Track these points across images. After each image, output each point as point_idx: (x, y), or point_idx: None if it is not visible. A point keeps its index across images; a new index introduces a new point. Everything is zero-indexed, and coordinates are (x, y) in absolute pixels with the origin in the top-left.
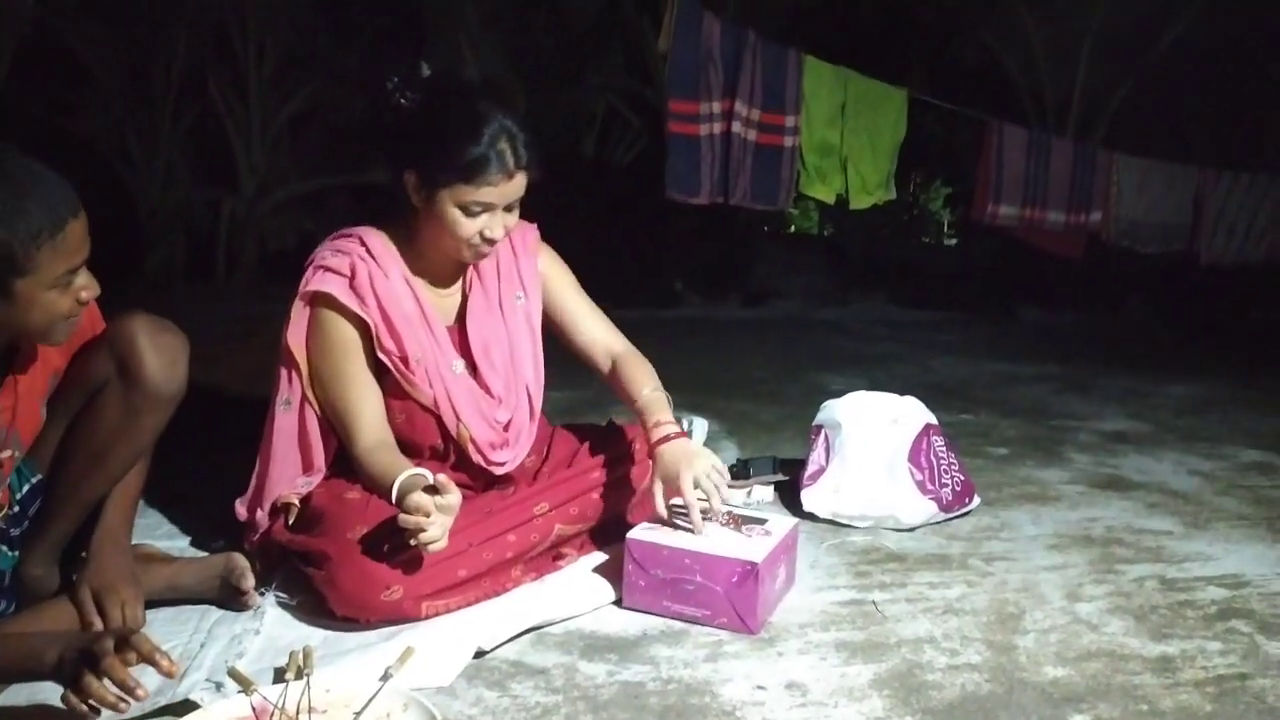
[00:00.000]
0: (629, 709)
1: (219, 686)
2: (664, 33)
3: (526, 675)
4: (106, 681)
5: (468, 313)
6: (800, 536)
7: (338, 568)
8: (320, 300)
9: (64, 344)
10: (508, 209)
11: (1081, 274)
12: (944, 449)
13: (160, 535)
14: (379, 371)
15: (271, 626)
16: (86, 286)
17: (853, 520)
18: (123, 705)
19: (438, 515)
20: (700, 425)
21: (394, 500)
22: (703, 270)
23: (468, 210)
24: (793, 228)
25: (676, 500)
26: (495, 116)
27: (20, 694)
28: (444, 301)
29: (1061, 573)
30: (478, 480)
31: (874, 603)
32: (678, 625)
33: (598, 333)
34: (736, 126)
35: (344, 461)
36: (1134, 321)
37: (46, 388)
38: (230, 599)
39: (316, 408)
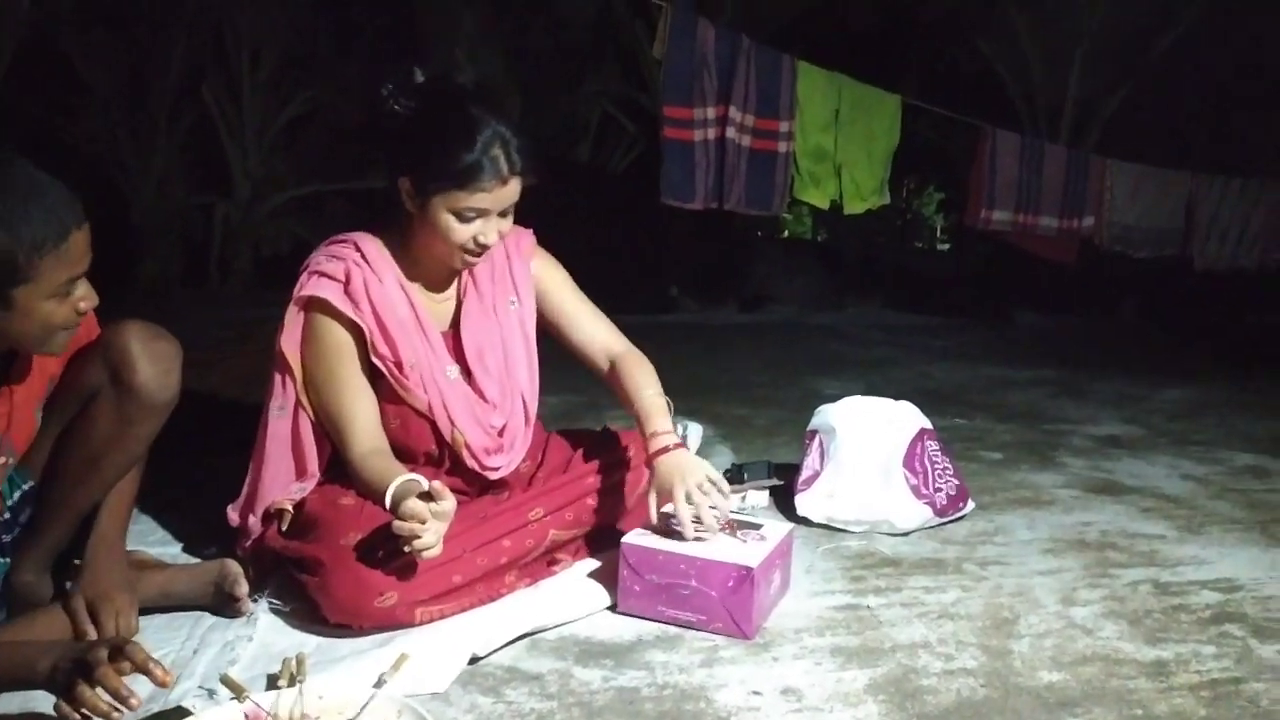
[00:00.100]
0: (624, 715)
1: (212, 694)
2: (659, 39)
3: (521, 681)
4: (100, 690)
5: (462, 318)
6: (795, 541)
7: (331, 574)
8: (315, 305)
9: (59, 353)
10: (502, 214)
11: (1075, 278)
12: (938, 453)
13: (153, 542)
14: (373, 376)
15: (264, 633)
16: (85, 297)
17: (847, 525)
18: (115, 715)
19: (433, 522)
20: (695, 430)
21: (388, 506)
22: (698, 275)
23: (461, 216)
24: (786, 232)
25: (669, 508)
26: (489, 122)
27: (12, 703)
28: (439, 307)
29: (1056, 577)
30: (472, 485)
31: (869, 607)
32: (673, 630)
33: (596, 333)
34: (731, 132)
35: (338, 467)
36: (1128, 326)
37: (42, 394)
38: (223, 605)
39: (310, 413)
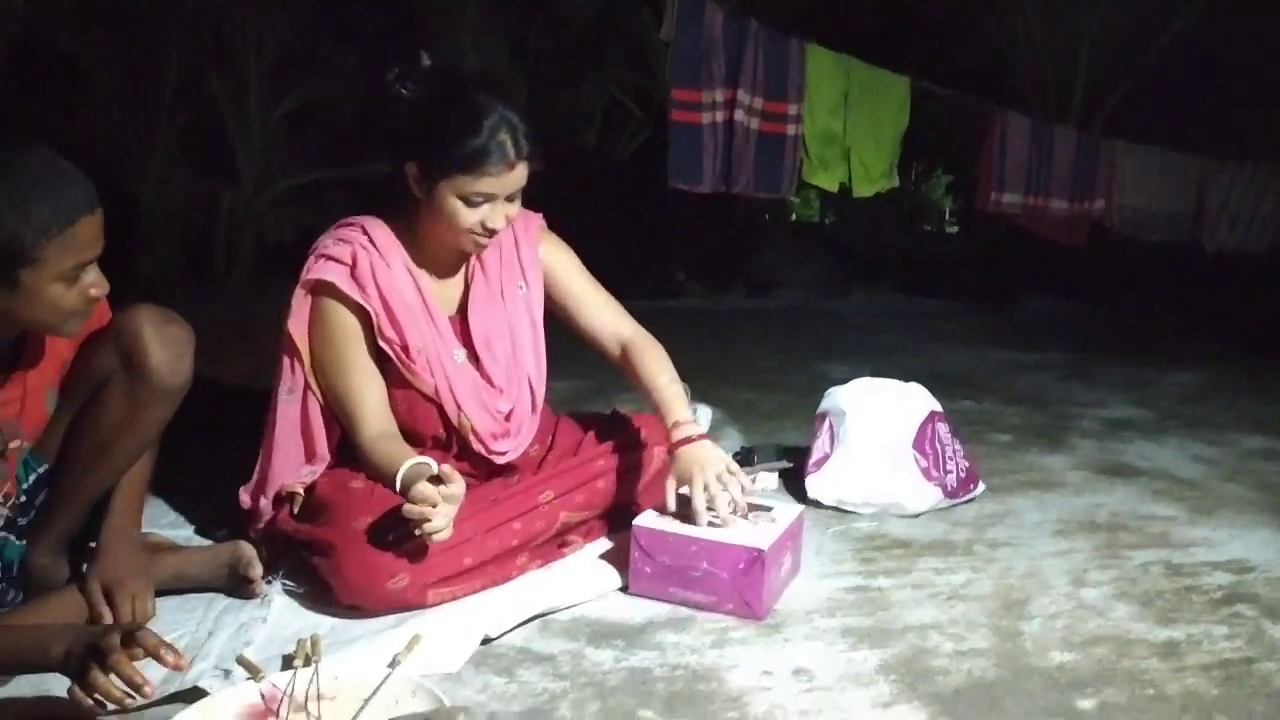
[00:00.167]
0: (636, 695)
1: (227, 674)
2: (666, 22)
3: (533, 662)
4: (113, 677)
5: (469, 303)
6: (805, 523)
7: (343, 557)
8: (321, 289)
9: (74, 336)
10: (509, 199)
11: (1084, 262)
12: (948, 436)
13: (165, 524)
14: (381, 360)
15: (279, 614)
16: (96, 284)
17: (857, 507)
18: (129, 701)
19: (443, 505)
20: (705, 413)
21: (398, 489)
22: (705, 260)
23: (468, 201)
24: (794, 216)
25: (684, 490)
26: (495, 107)
27: (26, 685)
28: (446, 291)
29: (1066, 558)
30: (480, 469)
31: (879, 589)
32: (684, 612)
33: (606, 318)
34: (739, 115)
35: (347, 450)
36: (1137, 309)
37: (55, 379)
38: (237, 587)
39: (319, 396)
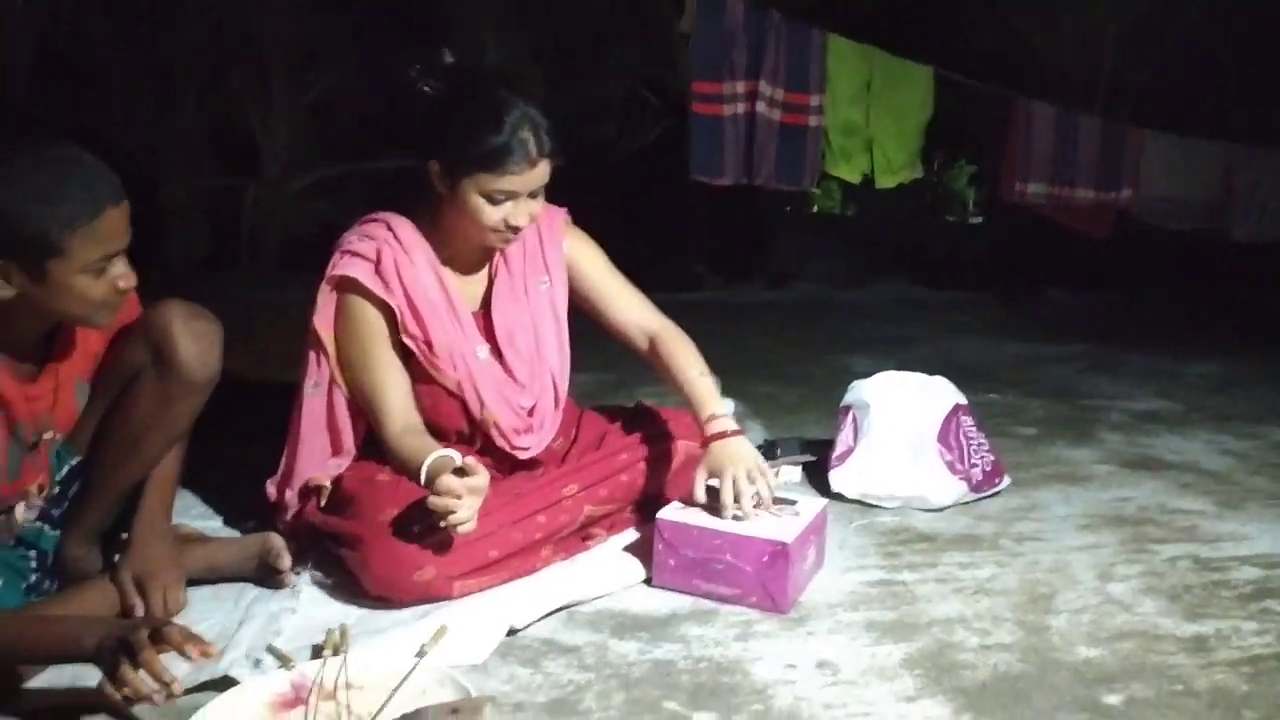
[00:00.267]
0: (660, 687)
1: (258, 663)
2: (686, 15)
3: (558, 653)
4: (142, 673)
5: (493, 298)
6: (829, 517)
7: (370, 550)
8: (346, 285)
9: (106, 328)
10: (532, 196)
11: (1108, 252)
12: (973, 429)
13: (194, 516)
14: (405, 356)
15: (308, 605)
16: (124, 276)
17: (881, 501)
18: (156, 697)
19: (467, 498)
20: (727, 405)
21: (423, 482)
22: (725, 252)
23: (491, 198)
24: (815, 208)
25: (714, 482)
26: (517, 104)
27: (64, 675)
28: (470, 287)
29: (1093, 553)
30: (503, 464)
31: (904, 583)
32: (707, 604)
33: (632, 312)
34: (760, 107)
35: (373, 444)
36: (1162, 300)
37: (86, 372)
38: (266, 578)
39: (345, 390)
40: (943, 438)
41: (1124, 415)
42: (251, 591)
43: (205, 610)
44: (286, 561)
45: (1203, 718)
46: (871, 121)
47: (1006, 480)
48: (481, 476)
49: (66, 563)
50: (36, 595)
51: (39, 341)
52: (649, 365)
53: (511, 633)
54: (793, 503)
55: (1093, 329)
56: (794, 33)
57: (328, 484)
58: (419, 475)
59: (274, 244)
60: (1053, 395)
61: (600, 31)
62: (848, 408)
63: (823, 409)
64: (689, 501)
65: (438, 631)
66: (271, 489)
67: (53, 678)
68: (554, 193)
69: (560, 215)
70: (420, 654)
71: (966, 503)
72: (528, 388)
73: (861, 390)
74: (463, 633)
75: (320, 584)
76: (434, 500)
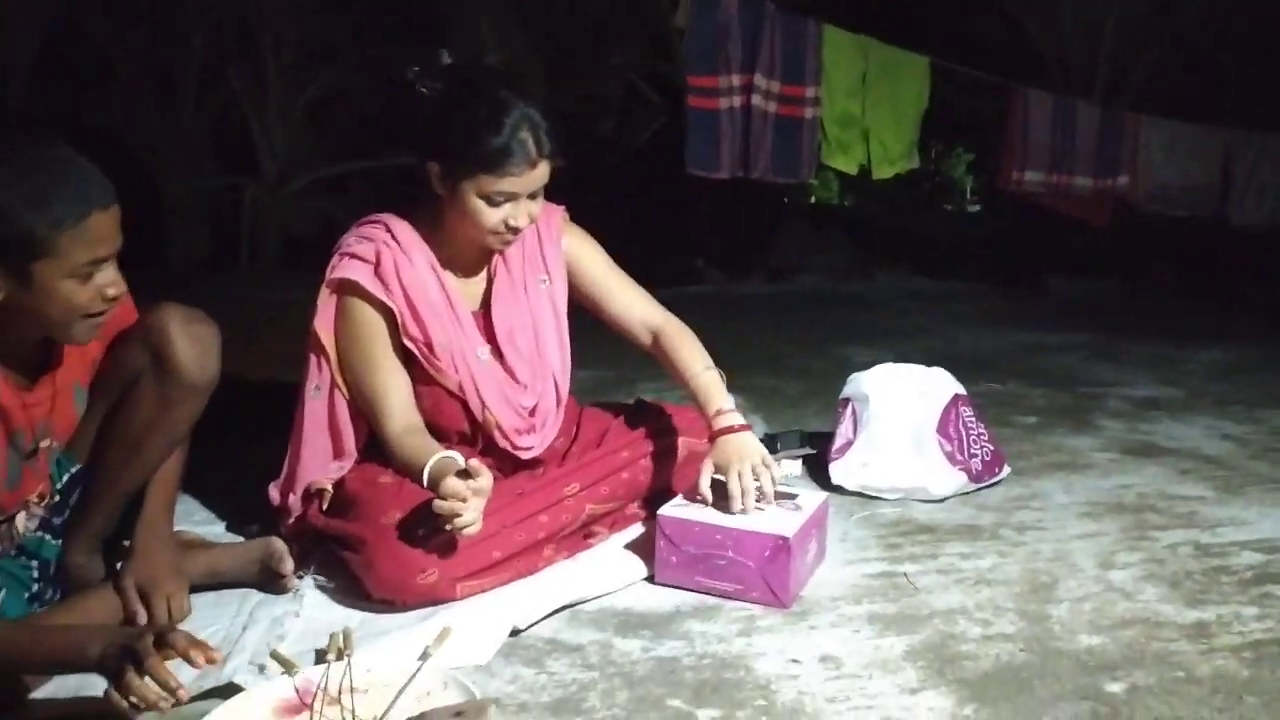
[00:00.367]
0: (664, 684)
1: (262, 669)
2: (681, 9)
3: (562, 652)
4: (148, 680)
5: (493, 298)
6: (830, 510)
7: (374, 552)
8: (346, 287)
9: (97, 338)
10: (531, 197)
11: (1108, 241)
12: (973, 419)
13: (196, 521)
14: (406, 357)
15: (311, 609)
16: (112, 284)
17: (882, 493)
18: (163, 705)
19: (472, 499)
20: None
21: (425, 484)
22: (724, 246)
23: (491, 200)
24: (813, 199)
25: (719, 476)
26: (517, 105)
27: (69, 684)
28: (470, 287)
29: (1094, 541)
30: (505, 464)
31: (905, 574)
32: (710, 600)
33: (635, 307)
34: (756, 99)
35: (375, 446)
36: (1162, 287)
37: (84, 379)
38: (269, 582)
39: (346, 393)
40: (942, 428)
41: (1124, 402)
42: (255, 597)
43: (209, 616)
44: (289, 566)
45: (1205, 704)
46: (868, 112)
47: (1007, 470)
48: (485, 478)
49: (69, 571)
50: (39, 605)
51: (36, 348)
52: (652, 360)
53: (515, 633)
54: (793, 496)
55: (1095, 316)
56: (789, 24)
57: (329, 487)
58: (421, 477)
59: (274, 244)
60: (1053, 383)
61: (599, 28)
62: (847, 400)
63: (823, 402)
64: (693, 496)
65: (441, 633)
66: (274, 493)
67: (57, 687)
68: (553, 190)
69: (558, 213)
70: (424, 656)
71: (967, 493)
72: (529, 387)
73: (860, 382)
74: (466, 634)
75: (323, 588)
76: (439, 504)
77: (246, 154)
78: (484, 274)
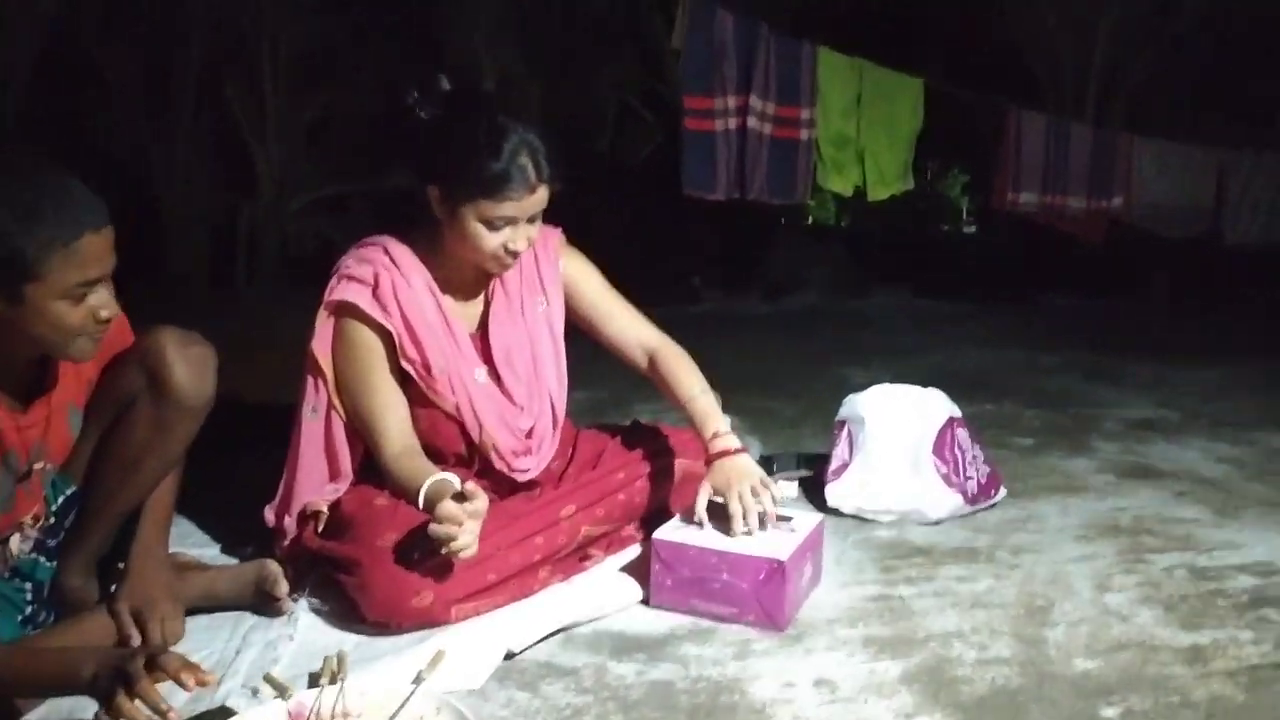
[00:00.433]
0: (659, 708)
1: (255, 692)
2: (677, 31)
3: (556, 676)
4: (139, 703)
5: (490, 320)
6: (825, 532)
7: (368, 574)
8: (344, 309)
9: (93, 358)
10: (530, 221)
11: (1104, 258)
12: (968, 441)
13: (192, 543)
14: (403, 379)
15: (305, 632)
16: (105, 306)
17: (878, 515)
18: None
19: (468, 523)
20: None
21: (421, 506)
22: (721, 265)
23: (490, 224)
24: (810, 219)
25: (717, 498)
26: (516, 131)
27: (62, 707)
28: (468, 309)
29: (1090, 563)
30: (501, 485)
31: (901, 597)
32: (705, 623)
33: (631, 329)
34: (752, 121)
35: (371, 468)
36: (1159, 305)
37: (80, 400)
38: (264, 605)
39: (342, 415)
40: (938, 450)
41: (1120, 423)
42: (249, 620)
43: (202, 639)
44: (283, 588)
45: None
46: (863, 134)
47: (1003, 492)
48: (481, 500)
49: (64, 593)
50: (33, 627)
51: (31, 369)
52: (648, 382)
53: (509, 656)
54: (789, 519)
55: (1091, 335)
56: (784, 46)
57: (325, 509)
58: (417, 498)
59: (272, 262)
60: (1050, 404)
61: (595, 47)
62: (843, 422)
63: (820, 422)
64: (689, 518)
65: (435, 657)
66: (269, 514)
67: (50, 709)
68: (551, 210)
69: (556, 235)
70: (418, 680)
71: (963, 515)
72: (526, 409)
73: (856, 404)
74: (460, 658)
75: (317, 610)
76: (435, 528)
77: (245, 171)
78: (482, 296)
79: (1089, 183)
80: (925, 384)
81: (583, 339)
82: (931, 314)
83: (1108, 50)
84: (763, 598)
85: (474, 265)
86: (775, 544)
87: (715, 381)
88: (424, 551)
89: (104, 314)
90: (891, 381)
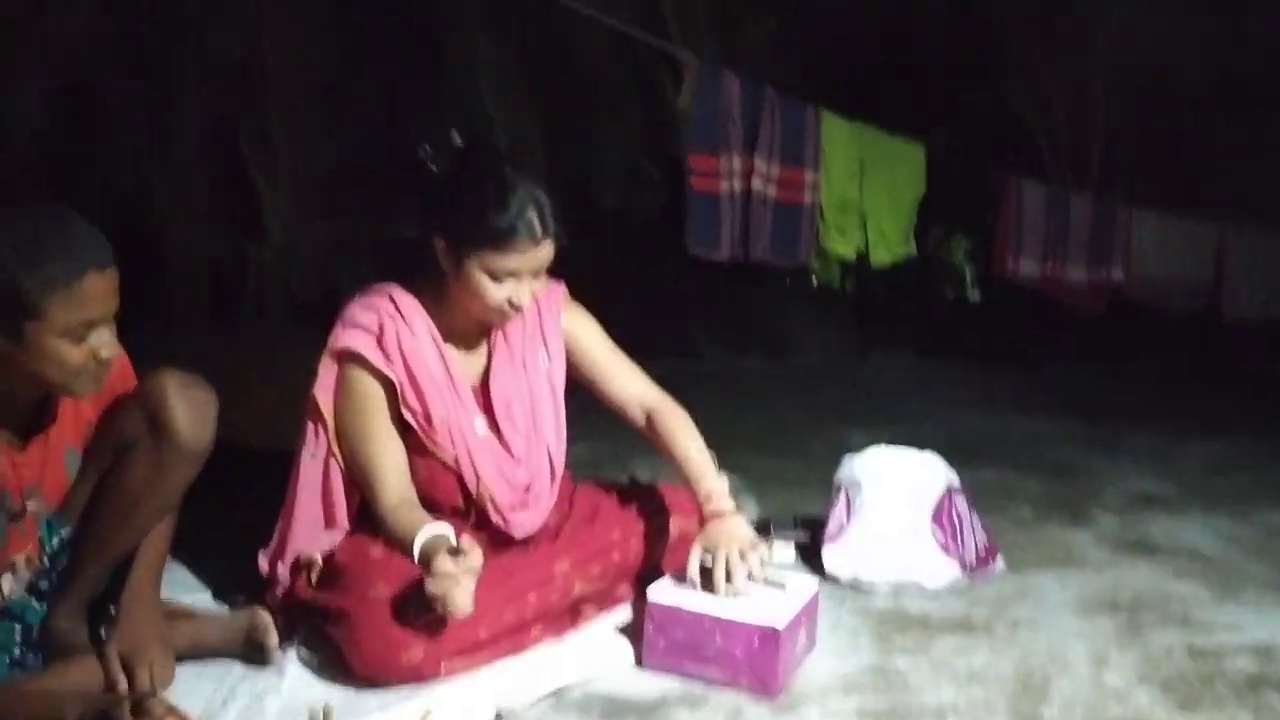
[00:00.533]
0: None
1: None
2: (684, 92)
3: None
4: None
5: (492, 372)
6: (822, 597)
7: (358, 627)
8: (347, 357)
9: (94, 397)
10: (535, 274)
11: (1105, 327)
12: (965, 508)
13: (183, 589)
14: (403, 428)
15: (293, 684)
16: (106, 346)
17: (874, 584)
18: None
19: (464, 580)
20: (723, 481)
21: (416, 559)
22: (724, 322)
23: (495, 277)
24: (815, 280)
25: (708, 559)
26: (522, 185)
27: None
28: (470, 360)
29: (1087, 640)
30: (497, 539)
31: (896, 669)
32: (697, 688)
33: (630, 387)
34: (756, 183)
35: (368, 517)
36: (1160, 374)
37: (78, 442)
38: (253, 655)
39: (341, 462)
40: (936, 518)
41: (1120, 496)
42: (237, 671)
43: (191, 688)
44: (273, 638)
45: None
46: (865, 199)
47: (1001, 563)
48: (476, 556)
49: (53, 635)
50: (21, 670)
51: (30, 407)
52: (645, 439)
53: (499, 717)
54: (783, 585)
55: (1092, 403)
56: (789, 109)
57: (319, 560)
58: (412, 551)
59: (278, 307)
60: (1050, 473)
61: (602, 106)
62: (840, 485)
63: (820, 483)
64: (682, 577)
65: (424, 715)
66: (263, 562)
67: None
68: (555, 263)
69: (559, 290)
70: None
71: (961, 586)
72: (524, 463)
73: (854, 467)
74: (449, 716)
75: (306, 662)
76: (431, 588)
77: (252, 216)
78: (484, 347)
79: (1089, 252)
80: (925, 449)
81: (583, 392)
82: (934, 377)
83: (1109, 120)
84: (756, 664)
85: (478, 317)
86: (770, 611)
87: (715, 439)
88: (417, 606)
89: (105, 354)
90: (891, 444)
